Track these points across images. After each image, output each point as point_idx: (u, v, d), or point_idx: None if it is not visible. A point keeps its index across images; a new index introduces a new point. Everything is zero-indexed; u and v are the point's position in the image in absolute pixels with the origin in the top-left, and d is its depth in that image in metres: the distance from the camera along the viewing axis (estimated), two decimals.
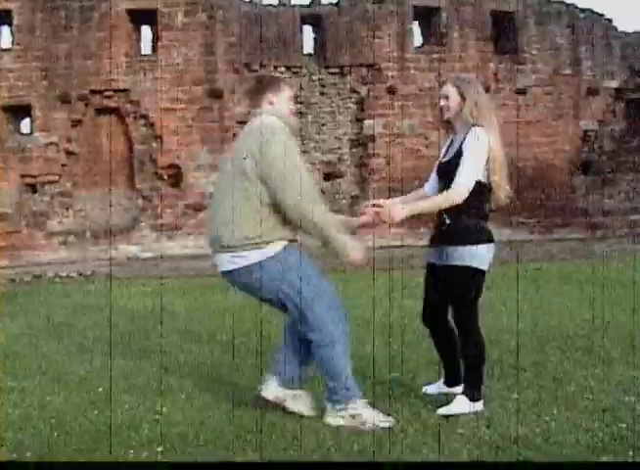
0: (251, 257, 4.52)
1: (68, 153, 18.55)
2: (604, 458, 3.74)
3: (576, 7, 21.01)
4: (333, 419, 4.53)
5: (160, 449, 4.11)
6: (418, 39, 20.58)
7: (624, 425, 4.22)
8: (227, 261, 4.61)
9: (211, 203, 4.86)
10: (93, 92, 18.45)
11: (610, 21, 21.41)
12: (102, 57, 18.37)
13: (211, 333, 7.79)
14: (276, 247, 4.54)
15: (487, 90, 19.78)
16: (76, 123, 18.51)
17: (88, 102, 18.51)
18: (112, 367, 6.11)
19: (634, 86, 21.23)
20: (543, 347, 6.46)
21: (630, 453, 3.81)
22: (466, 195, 4.55)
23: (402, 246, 17.68)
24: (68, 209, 18.72)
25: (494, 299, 9.48)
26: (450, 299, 4.75)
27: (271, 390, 4.78)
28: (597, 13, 21.22)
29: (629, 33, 21.59)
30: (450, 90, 4.76)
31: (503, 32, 20.52)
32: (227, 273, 4.68)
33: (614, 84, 21.10)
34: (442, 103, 4.81)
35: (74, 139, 18.59)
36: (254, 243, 4.49)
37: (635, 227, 21.00)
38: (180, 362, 6.40)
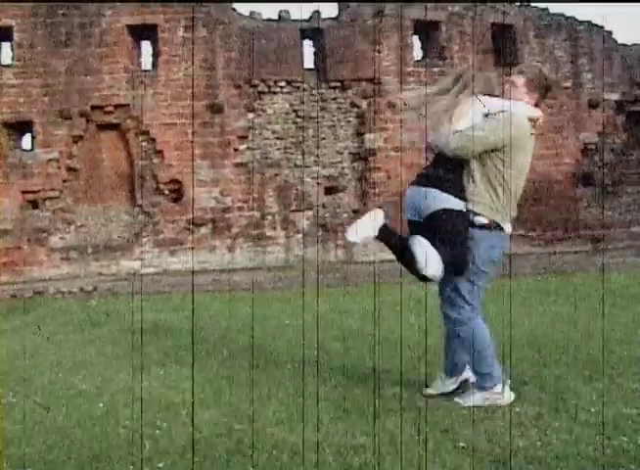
0: None
1: (70, 169, 18.56)
2: None
3: (576, 19, 21.04)
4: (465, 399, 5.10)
5: (160, 465, 4.10)
6: (418, 53, 20.63)
7: (626, 438, 4.21)
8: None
9: None
10: (94, 108, 18.47)
11: (610, 33, 21.44)
12: (102, 72, 18.40)
13: (214, 348, 7.77)
14: None
15: None
16: (77, 139, 18.53)
17: (89, 118, 18.53)
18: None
19: (635, 99, 21.25)
20: (544, 359, 6.45)
21: (632, 467, 3.79)
22: None
23: None
24: (69, 224, 18.72)
25: (493, 312, 9.46)
26: None
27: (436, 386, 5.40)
28: (597, 25, 21.26)
29: (629, 46, 21.61)
30: None
31: (503, 45, 20.56)
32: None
33: (614, 97, 21.11)
34: None
35: (75, 155, 18.60)
36: None
37: (636, 239, 20.97)
38: (182, 377, 6.39)
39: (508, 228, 5.19)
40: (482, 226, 5.05)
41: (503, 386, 5.10)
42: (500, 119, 5.00)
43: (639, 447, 4.05)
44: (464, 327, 5.16)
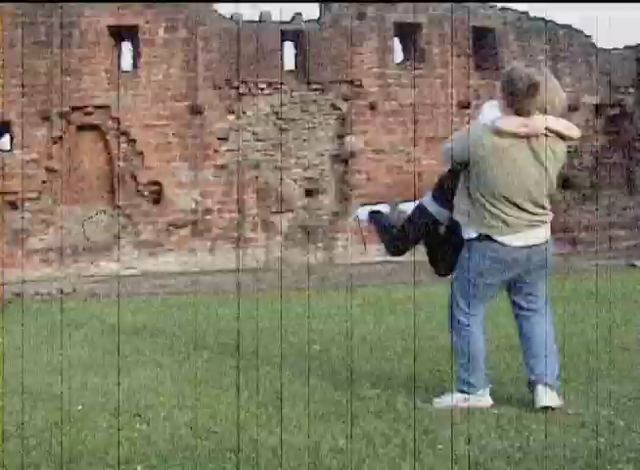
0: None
1: (49, 170, 18.48)
2: None
3: (556, 23, 21.16)
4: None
5: (138, 467, 4.08)
6: (399, 55, 20.68)
7: (603, 439, 4.23)
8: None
9: None
10: (73, 109, 18.40)
11: (589, 37, 21.57)
12: (82, 73, 18.34)
13: (193, 349, 7.76)
14: None
15: (467, 106, 19.88)
16: (57, 140, 18.45)
17: (69, 118, 18.46)
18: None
19: (613, 102, 21.40)
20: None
21: (609, 467, 3.81)
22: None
23: (384, 262, 17.71)
24: (48, 226, 18.63)
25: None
26: None
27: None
28: (576, 29, 21.39)
29: (608, 50, 21.75)
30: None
31: (483, 48, 20.64)
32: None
33: (593, 100, 21.25)
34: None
35: (55, 156, 18.52)
36: None
37: (615, 242, 21.11)
38: (160, 379, 6.37)
39: (511, 240, 5.03)
40: (471, 238, 5.08)
41: (484, 389, 5.18)
42: (460, 133, 5.23)
43: (616, 448, 4.07)
44: (458, 333, 5.25)
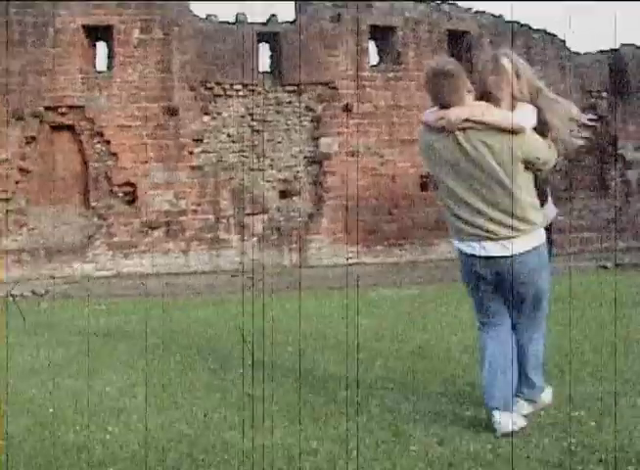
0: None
1: (22, 170, 18.34)
2: None
3: (530, 27, 21.28)
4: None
5: None
6: (374, 58, 20.72)
7: (574, 440, 4.27)
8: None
9: None
10: (47, 109, 18.28)
11: (563, 42, 21.71)
12: (56, 73, 18.22)
13: (167, 351, 7.73)
14: None
15: None
16: (30, 140, 18.32)
17: (42, 119, 18.34)
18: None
19: (587, 106, 21.54)
20: None
21: (579, 468, 3.85)
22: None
23: (358, 263, 17.76)
24: (21, 226, 18.50)
25: (452, 317, 9.56)
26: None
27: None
28: (551, 33, 21.52)
29: (582, 54, 21.91)
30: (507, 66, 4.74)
31: (459, 52, 20.73)
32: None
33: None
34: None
35: (28, 156, 18.40)
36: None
37: (588, 245, 21.26)
38: (133, 382, 6.35)
39: (465, 246, 4.75)
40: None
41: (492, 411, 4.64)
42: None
43: (586, 449, 4.11)
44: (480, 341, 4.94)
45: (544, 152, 4.68)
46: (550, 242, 4.95)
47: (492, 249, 4.62)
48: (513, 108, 4.64)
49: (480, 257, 4.66)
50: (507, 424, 4.48)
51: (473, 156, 4.55)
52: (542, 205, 4.82)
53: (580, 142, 4.84)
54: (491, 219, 4.58)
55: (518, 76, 4.76)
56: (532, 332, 4.86)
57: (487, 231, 4.61)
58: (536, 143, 4.63)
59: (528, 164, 4.61)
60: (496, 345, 4.73)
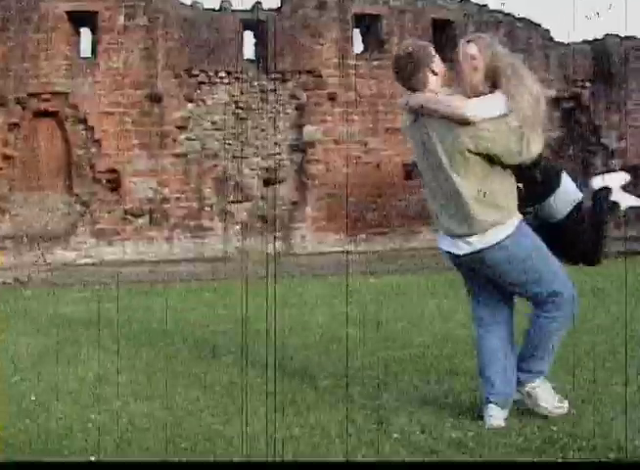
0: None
1: (5, 156, 18.24)
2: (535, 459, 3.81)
3: (515, 17, 21.30)
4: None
5: (93, 458, 4.07)
6: (359, 46, 20.69)
7: (555, 428, 4.29)
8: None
9: None
10: (31, 95, 18.17)
11: (547, 31, 21.74)
12: (40, 59, 18.10)
13: (150, 339, 7.73)
14: None
15: None
16: (13, 127, 18.21)
17: (26, 105, 18.23)
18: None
19: (570, 95, 21.59)
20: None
21: (560, 455, 3.88)
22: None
23: (342, 252, 17.76)
24: (4, 213, 18.41)
25: (434, 306, 9.59)
26: None
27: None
28: (535, 23, 21.55)
29: (566, 44, 21.94)
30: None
31: (443, 40, 20.72)
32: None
33: (550, 93, 21.40)
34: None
35: (11, 143, 18.29)
36: None
37: None
38: (116, 369, 6.34)
39: (440, 242, 4.65)
40: None
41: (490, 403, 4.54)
42: None
43: (567, 437, 4.14)
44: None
45: (505, 143, 4.31)
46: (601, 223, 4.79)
47: (452, 246, 4.52)
48: (473, 95, 4.38)
49: (450, 252, 4.57)
50: (499, 420, 4.46)
51: (427, 145, 4.43)
52: (546, 194, 4.65)
53: (552, 134, 4.68)
54: (449, 216, 4.45)
55: (492, 62, 4.44)
56: (540, 315, 4.58)
57: (447, 228, 4.51)
58: (494, 134, 4.28)
59: (495, 158, 4.33)
60: (496, 340, 4.62)
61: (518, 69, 4.47)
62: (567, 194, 4.72)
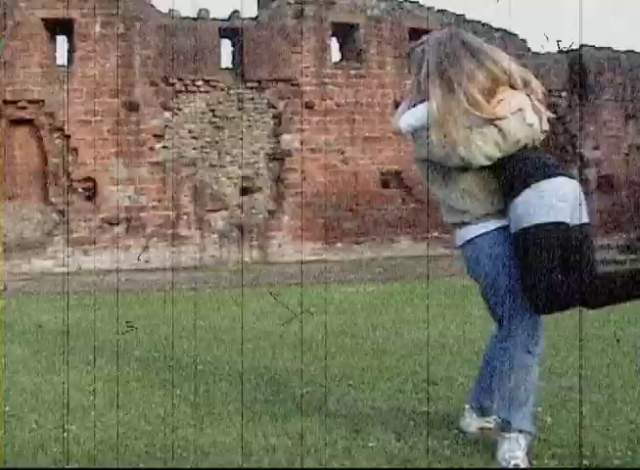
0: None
1: None
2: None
3: (492, 27, 21.45)
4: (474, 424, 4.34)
5: (68, 468, 4.04)
6: (336, 55, 20.75)
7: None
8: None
9: None
10: (6, 103, 18.10)
11: (524, 41, 21.91)
12: (16, 66, 18.05)
13: (126, 349, 7.69)
14: None
15: None
16: None
17: (1, 113, 18.15)
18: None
19: (547, 105, 21.76)
20: (455, 360, 6.55)
21: (534, 462, 3.89)
22: None
23: (319, 261, 17.78)
24: None
25: (408, 314, 9.61)
26: None
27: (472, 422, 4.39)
28: (512, 33, 21.72)
29: (543, 54, 22.12)
30: None
31: None
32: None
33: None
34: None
35: None
36: None
37: None
38: (91, 379, 6.30)
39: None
40: None
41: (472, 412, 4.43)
42: None
43: (542, 443, 4.15)
44: None
45: (440, 151, 3.96)
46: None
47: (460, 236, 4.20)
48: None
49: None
50: (472, 426, 4.38)
51: None
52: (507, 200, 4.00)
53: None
54: (455, 209, 4.17)
55: (451, 66, 4.05)
56: (500, 340, 4.12)
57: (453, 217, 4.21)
58: (430, 144, 3.98)
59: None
60: (492, 346, 4.28)
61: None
62: (522, 214, 3.93)
